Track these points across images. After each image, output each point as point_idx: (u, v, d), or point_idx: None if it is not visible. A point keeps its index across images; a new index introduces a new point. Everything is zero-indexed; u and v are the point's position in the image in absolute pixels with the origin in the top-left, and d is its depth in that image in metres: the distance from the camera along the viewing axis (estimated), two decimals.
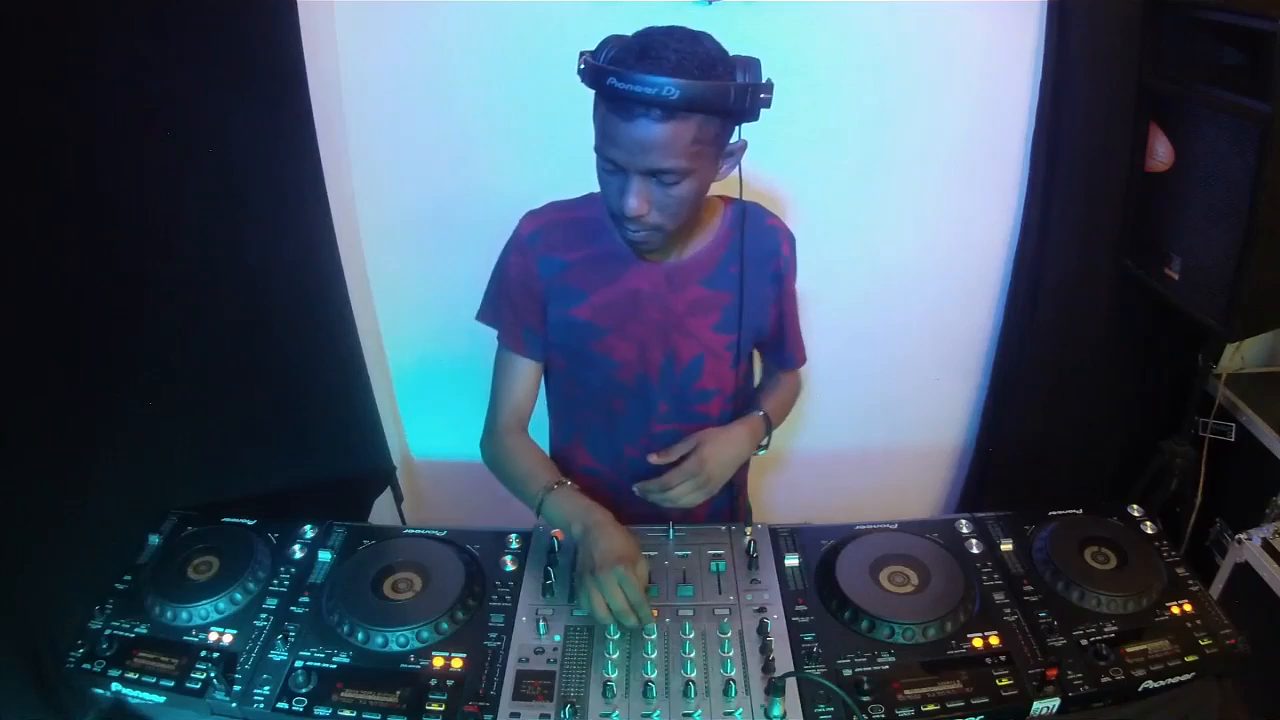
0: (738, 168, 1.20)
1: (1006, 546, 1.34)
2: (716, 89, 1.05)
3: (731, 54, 1.11)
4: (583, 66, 1.09)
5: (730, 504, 1.55)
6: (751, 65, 1.09)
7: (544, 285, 1.34)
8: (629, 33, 1.12)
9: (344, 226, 1.84)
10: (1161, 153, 1.78)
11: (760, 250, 1.36)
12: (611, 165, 1.12)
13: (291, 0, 1.57)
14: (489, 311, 1.43)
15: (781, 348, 1.49)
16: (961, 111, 1.93)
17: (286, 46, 1.58)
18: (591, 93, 1.12)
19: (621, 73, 1.03)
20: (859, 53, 1.86)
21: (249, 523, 1.40)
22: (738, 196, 1.32)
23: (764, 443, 1.44)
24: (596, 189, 1.31)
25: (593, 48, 1.11)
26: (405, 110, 1.90)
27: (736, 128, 1.15)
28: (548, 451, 1.52)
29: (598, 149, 1.14)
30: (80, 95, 1.25)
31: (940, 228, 2.06)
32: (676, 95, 1.02)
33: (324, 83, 1.74)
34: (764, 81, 1.08)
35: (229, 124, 1.48)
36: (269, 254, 1.62)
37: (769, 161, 1.90)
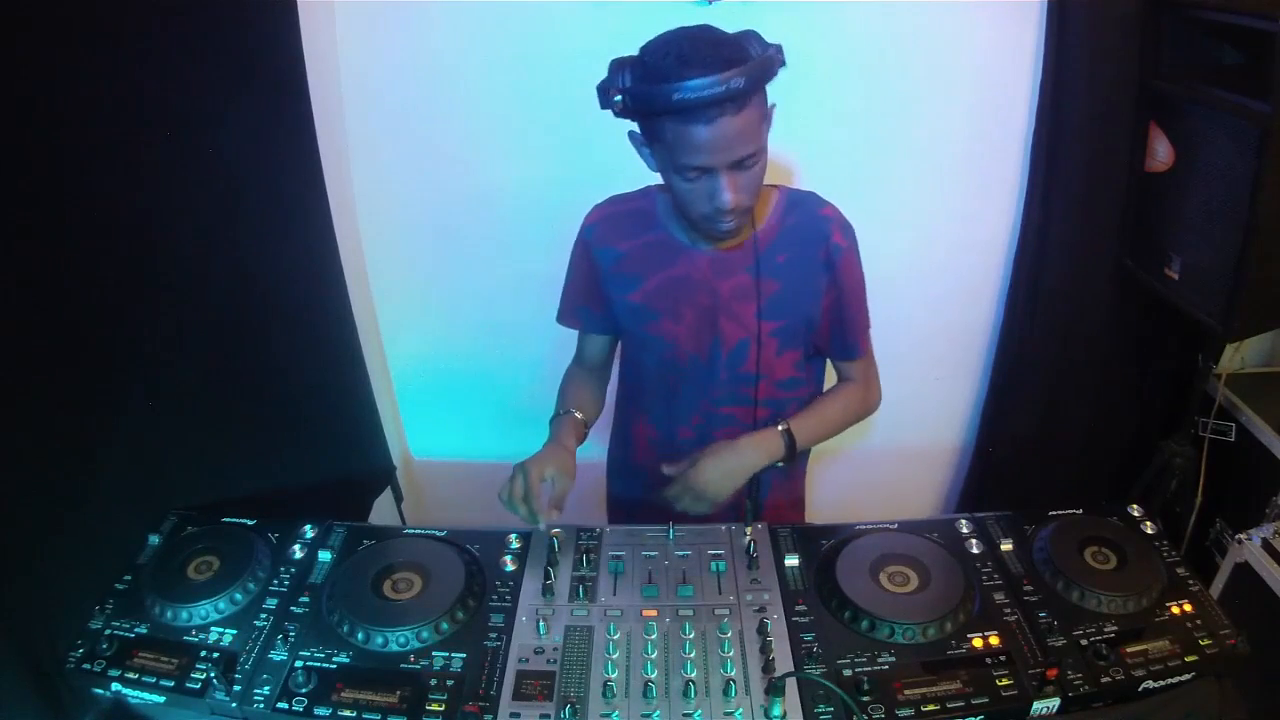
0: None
1: (1006, 546, 1.34)
2: (762, 65, 1.11)
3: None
4: (619, 98, 1.12)
5: (739, 506, 1.50)
6: (753, 36, 1.15)
7: (603, 273, 1.43)
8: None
9: (344, 227, 1.84)
10: (1161, 153, 1.78)
11: (811, 238, 1.37)
12: (696, 172, 1.17)
13: (291, 0, 1.57)
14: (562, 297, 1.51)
15: (840, 337, 1.47)
16: (961, 111, 1.92)
17: (286, 46, 1.57)
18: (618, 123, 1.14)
19: (691, 85, 1.06)
20: (859, 53, 1.86)
21: (249, 523, 1.40)
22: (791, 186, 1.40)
23: (783, 456, 1.41)
24: (628, 187, 1.40)
25: (596, 68, 1.15)
26: (405, 110, 1.90)
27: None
28: (616, 428, 1.64)
29: (676, 167, 1.17)
30: (80, 95, 1.25)
31: (940, 227, 2.06)
32: (744, 84, 1.08)
33: (324, 83, 1.74)
34: (777, 44, 1.16)
35: (229, 124, 1.48)
36: (269, 254, 1.62)
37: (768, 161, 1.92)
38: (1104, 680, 1.11)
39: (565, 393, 1.52)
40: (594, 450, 1.57)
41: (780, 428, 1.42)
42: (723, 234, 1.27)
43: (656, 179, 1.29)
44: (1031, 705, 1.09)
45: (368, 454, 1.96)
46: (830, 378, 1.57)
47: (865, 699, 1.08)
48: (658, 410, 1.52)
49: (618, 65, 1.14)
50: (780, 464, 1.43)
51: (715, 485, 1.36)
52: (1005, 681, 1.11)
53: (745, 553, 1.32)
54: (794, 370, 1.47)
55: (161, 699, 1.13)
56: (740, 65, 1.08)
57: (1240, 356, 2.19)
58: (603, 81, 1.15)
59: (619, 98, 1.12)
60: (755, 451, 1.40)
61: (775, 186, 1.40)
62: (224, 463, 1.58)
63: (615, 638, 1.18)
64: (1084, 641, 1.17)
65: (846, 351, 1.49)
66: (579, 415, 1.45)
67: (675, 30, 1.13)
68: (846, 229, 1.40)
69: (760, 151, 1.18)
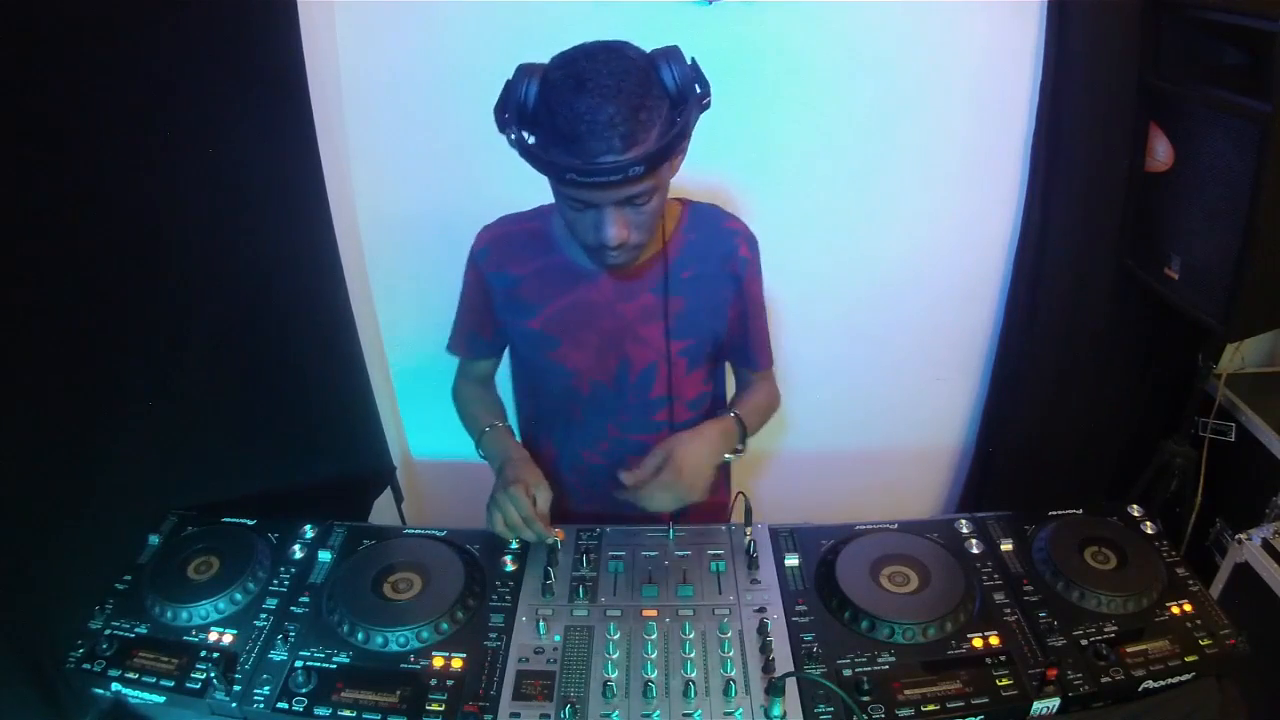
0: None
1: (1006, 546, 1.34)
2: (673, 134, 1.02)
3: (649, 50, 1.07)
4: (513, 138, 1.03)
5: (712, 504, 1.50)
6: (675, 55, 1.05)
7: (496, 299, 1.36)
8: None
9: (344, 226, 1.84)
10: (1161, 153, 1.78)
11: (716, 252, 1.33)
12: (580, 205, 1.09)
13: (292, 0, 1.57)
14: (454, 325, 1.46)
15: (745, 349, 1.45)
16: (961, 112, 1.93)
17: (286, 46, 1.57)
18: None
19: (577, 166, 0.99)
20: (859, 53, 1.86)
21: (249, 523, 1.40)
22: (691, 200, 1.34)
23: (739, 447, 1.38)
24: None
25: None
26: (405, 110, 1.90)
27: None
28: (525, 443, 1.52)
29: (558, 192, 1.09)
30: (80, 95, 1.25)
31: (940, 228, 2.06)
32: (643, 170, 1.00)
33: (324, 83, 1.75)
34: (703, 87, 1.05)
35: (229, 125, 1.48)
36: (269, 254, 1.62)
37: (768, 161, 1.92)
38: (1104, 680, 1.11)
39: (475, 411, 1.44)
40: None
41: (733, 414, 1.39)
42: (609, 266, 1.21)
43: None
44: (1031, 705, 1.09)
45: (368, 454, 1.96)
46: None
47: (865, 699, 1.08)
48: (559, 435, 1.47)
49: (523, 76, 1.05)
50: (730, 456, 1.37)
51: (698, 478, 1.28)
52: (1005, 681, 1.11)
53: (745, 553, 1.32)
54: (701, 385, 1.44)
55: (161, 699, 1.13)
56: (642, 112, 0.98)
57: (1240, 356, 2.19)
58: (500, 98, 1.07)
59: (512, 137, 1.02)
60: (722, 438, 1.35)
61: (679, 200, 1.34)
62: (224, 463, 1.58)
63: (615, 638, 1.18)
64: (1084, 641, 1.17)
65: (752, 363, 1.47)
66: (502, 425, 1.41)
67: (585, 46, 1.05)
68: (752, 242, 1.35)
69: (656, 190, 1.10)
